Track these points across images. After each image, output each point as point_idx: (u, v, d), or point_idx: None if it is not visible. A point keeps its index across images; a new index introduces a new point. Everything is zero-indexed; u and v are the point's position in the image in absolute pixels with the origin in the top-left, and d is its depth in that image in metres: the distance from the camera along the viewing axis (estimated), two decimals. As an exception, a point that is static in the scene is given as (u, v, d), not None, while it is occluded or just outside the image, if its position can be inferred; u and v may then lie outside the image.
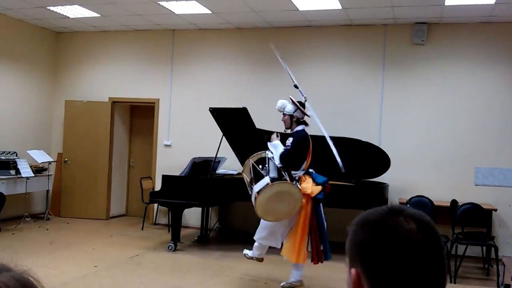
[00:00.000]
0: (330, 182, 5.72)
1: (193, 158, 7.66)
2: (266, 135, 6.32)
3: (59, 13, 8.38)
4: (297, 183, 5.40)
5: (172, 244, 7.21)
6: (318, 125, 5.55)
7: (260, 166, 5.46)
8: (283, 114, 5.68)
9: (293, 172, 5.52)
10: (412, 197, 7.11)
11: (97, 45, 9.71)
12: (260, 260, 5.78)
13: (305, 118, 5.65)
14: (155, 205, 9.04)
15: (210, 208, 8.41)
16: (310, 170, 5.64)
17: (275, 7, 7.46)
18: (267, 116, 7.48)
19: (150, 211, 9.26)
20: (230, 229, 8.71)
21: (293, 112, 5.58)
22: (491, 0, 6.60)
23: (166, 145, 9.24)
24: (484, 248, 7.05)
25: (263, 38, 8.58)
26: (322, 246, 5.41)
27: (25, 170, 8.27)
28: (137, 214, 9.63)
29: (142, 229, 8.74)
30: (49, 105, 9.84)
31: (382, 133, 8.02)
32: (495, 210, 7.14)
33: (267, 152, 5.58)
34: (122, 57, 9.57)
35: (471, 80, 7.68)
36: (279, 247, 5.56)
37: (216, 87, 8.85)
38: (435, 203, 7.04)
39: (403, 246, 0.92)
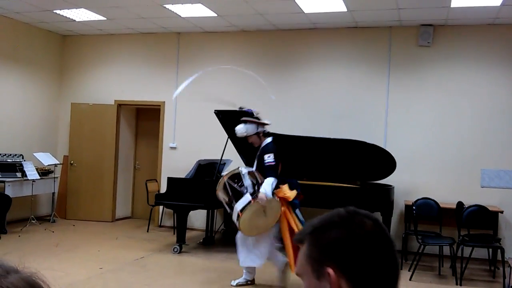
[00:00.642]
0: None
1: (199, 161, 7.68)
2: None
3: (66, 17, 8.43)
4: (275, 196, 5.49)
5: (178, 246, 7.22)
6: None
7: (236, 182, 5.54)
8: (248, 137, 5.76)
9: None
10: (418, 199, 7.08)
11: (103, 48, 9.75)
12: (252, 282, 5.85)
13: (266, 127, 5.80)
14: (161, 207, 9.07)
15: (216, 210, 8.41)
16: (282, 177, 5.73)
17: (280, 10, 7.46)
18: (273, 119, 7.46)
19: (155, 213, 9.28)
20: (235, 231, 8.68)
21: (257, 130, 5.73)
22: (497, 2, 6.58)
23: (172, 148, 9.26)
24: (490, 250, 7.00)
25: (269, 41, 8.60)
26: None
27: (31, 173, 8.31)
28: (142, 216, 9.66)
29: (147, 231, 8.77)
30: (55, 107, 9.89)
31: (388, 135, 8.00)
32: (501, 212, 7.11)
33: (240, 168, 5.68)
34: (128, 60, 9.60)
35: (477, 82, 7.65)
36: (262, 264, 5.64)
37: (221, 90, 8.85)
38: (441, 205, 7.03)
39: (371, 241, 1.01)
